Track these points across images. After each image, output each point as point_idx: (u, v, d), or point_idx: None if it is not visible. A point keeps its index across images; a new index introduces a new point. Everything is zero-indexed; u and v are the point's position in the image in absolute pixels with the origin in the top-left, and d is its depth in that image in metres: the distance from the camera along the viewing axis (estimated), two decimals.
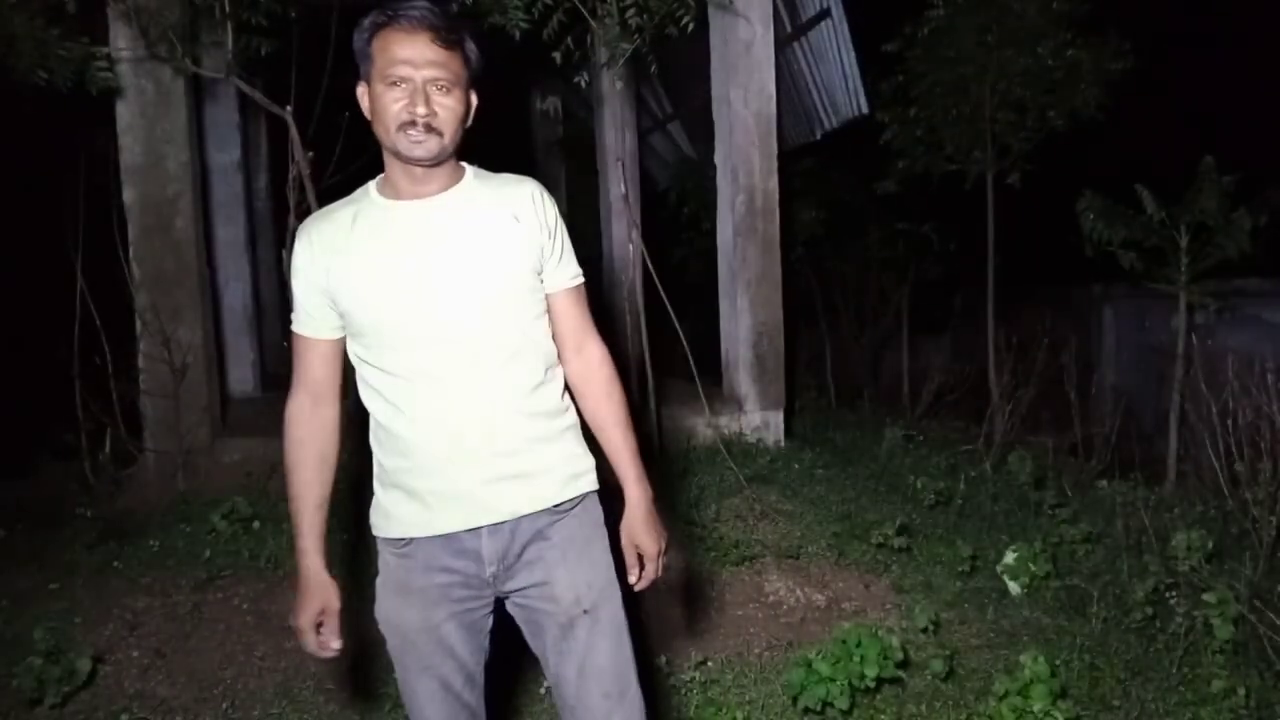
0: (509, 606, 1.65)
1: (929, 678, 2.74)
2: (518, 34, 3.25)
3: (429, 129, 1.48)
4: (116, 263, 4.14)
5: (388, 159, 1.56)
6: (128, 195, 4.11)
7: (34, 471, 4.17)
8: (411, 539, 1.58)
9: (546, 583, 1.58)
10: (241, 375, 5.58)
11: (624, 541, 1.61)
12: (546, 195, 1.61)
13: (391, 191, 1.57)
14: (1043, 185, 5.27)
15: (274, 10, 3.47)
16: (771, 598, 3.22)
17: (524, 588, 1.60)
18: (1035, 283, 6.83)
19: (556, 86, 7.71)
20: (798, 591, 3.24)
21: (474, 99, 1.58)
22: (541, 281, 1.59)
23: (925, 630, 2.92)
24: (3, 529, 3.72)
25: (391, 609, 1.61)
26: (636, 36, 3.46)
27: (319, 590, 1.61)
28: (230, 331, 5.55)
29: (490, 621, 1.66)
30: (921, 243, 6.68)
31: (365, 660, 2.89)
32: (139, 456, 4.13)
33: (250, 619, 3.09)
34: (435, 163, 1.53)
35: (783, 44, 5.34)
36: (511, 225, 1.55)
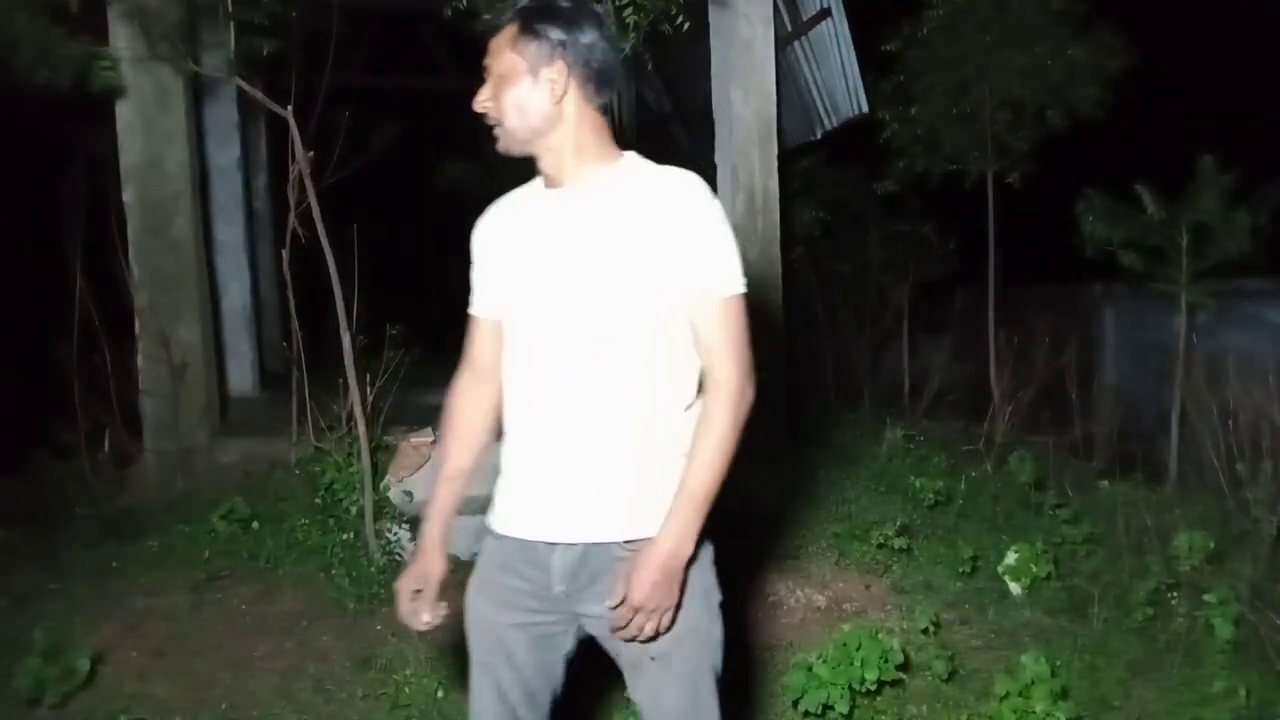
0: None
1: (930, 679, 2.74)
2: None
3: (489, 121, 1.49)
4: (116, 262, 4.14)
5: None
6: (127, 195, 4.10)
7: (33, 471, 4.16)
8: (500, 535, 1.55)
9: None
10: (241, 375, 5.57)
11: (622, 572, 1.43)
12: (699, 196, 1.45)
13: (543, 183, 1.57)
14: (1043, 185, 5.27)
15: (276, 10, 3.46)
16: (771, 598, 3.22)
17: (597, 616, 1.49)
18: (1036, 282, 6.82)
19: None
20: (798, 592, 3.24)
21: (549, 73, 1.45)
22: (673, 292, 1.43)
23: (926, 631, 2.92)
24: (2, 528, 3.71)
25: (471, 593, 1.58)
26: (632, 35, 3.45)
27: (424, 558, 1.59)
28: (229, 331, 5.55)
29: (568, 645, 1.57)
30: (922, 242, 6.67)
31: (376, 657, 2.88)
32: (138, 456, 4.12)
33: (249, 619, 3.08)
34: (518, 153, 1.50)
35: (783, 43, 5.34)
36: (642, 223, 1.43)
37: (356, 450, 3.51)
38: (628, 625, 1.42)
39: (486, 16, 3.22)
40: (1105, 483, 4.12)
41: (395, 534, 3.55)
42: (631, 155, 1.53)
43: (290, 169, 3.60)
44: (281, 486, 3.82)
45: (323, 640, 2.99)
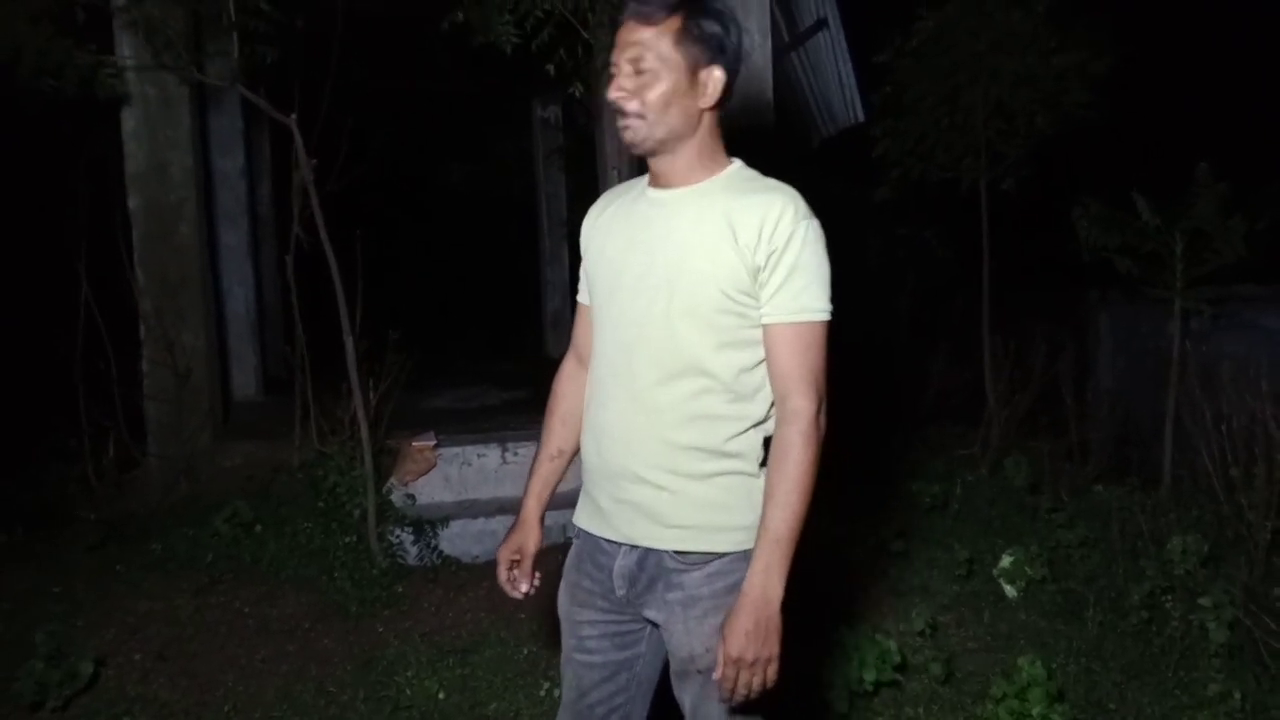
0: None
1: (926, 681, 2.76)
2: (509, 49, 3.29)
3: (625, 112, 1.41)
4: (121, 268, 4.17)
5: None
6: (132, 201, 4.14)
7: (36, 474, 4.18)
8: (579, 529, 1.59)
9: (666, 629, 1.48)
10: (244, 380, 5.60)
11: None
12: (790, 214, 1.39)
13: (649, 180, 1.54)
14: (1040, 191, 5.30)
15: (280, 18, 3.49)
16: None
17: (654, 620, 1.51)
18: (1032, 288, 6.85)
19: (557, 94, 7.75)
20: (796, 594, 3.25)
21: (706, 76, 1.42)
22: (750, 309, 1.41)
23: (922, 633, 2.94)
24: (5, 532, 3.73)
25: (560, 587, 1.62)
26: None
27: (521, 530, 1.64)
28: (233, 336, 5.58)
29: (641, 649, 1.56)
30: (922, 249, 6.70)
31: (378, 660, 2.90)
32: (141, 460, 4.15)
33: (252, 622, 3.11)
34: (648, 150, 1.44)
35: (780, 54, 5.38)
36: (724, 238, 1.39)
37: (359, 454, 3.54)
38: (734, 685, 1.35)
39: (480, 38, 3.28)
40: (1100, 487, 4.14)
41: (398, 537, 3.57)
42: (737, 164, 1.52)
43: (294, 176, 3.63)
44: (284, 490, 3.85)
45: (325, 643, 3.01)
